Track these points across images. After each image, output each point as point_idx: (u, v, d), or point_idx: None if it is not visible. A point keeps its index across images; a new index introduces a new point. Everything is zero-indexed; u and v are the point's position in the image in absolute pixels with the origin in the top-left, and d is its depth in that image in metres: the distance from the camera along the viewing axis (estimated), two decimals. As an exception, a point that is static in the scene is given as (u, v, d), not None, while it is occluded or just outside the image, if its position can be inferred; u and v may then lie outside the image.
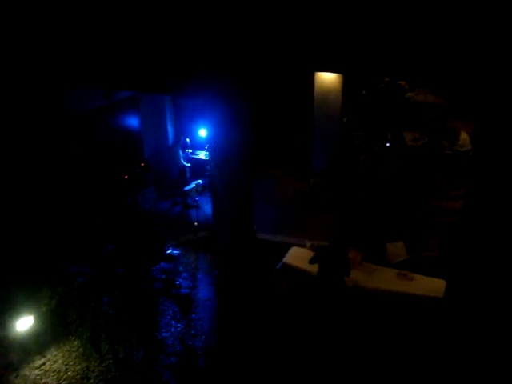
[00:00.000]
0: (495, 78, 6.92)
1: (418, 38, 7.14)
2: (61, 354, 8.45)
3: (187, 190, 12.67)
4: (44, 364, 8.28)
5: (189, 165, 13.37)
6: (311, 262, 8.57)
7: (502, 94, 6.97)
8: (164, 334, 8.69)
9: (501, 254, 7.70)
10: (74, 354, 8.43)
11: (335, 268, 8.33)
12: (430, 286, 8.81)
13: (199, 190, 12.84)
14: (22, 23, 8.73)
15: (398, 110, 14.14)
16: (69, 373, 8.11)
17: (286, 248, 10.02)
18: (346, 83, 12.91)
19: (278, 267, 9.50)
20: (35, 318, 7.85)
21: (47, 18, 8.62)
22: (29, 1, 8.62)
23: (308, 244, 9.90)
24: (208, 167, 12.03)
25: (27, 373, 8.11)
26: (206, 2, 7.87)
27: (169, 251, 9.98)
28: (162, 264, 8.43)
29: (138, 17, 8.25)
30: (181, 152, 13.04)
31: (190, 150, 13.63)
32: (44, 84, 9.65)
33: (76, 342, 8.46)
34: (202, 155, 13.65)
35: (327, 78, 12.69)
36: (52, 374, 8.11)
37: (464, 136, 13.28)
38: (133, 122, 13.30)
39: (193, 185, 12.87)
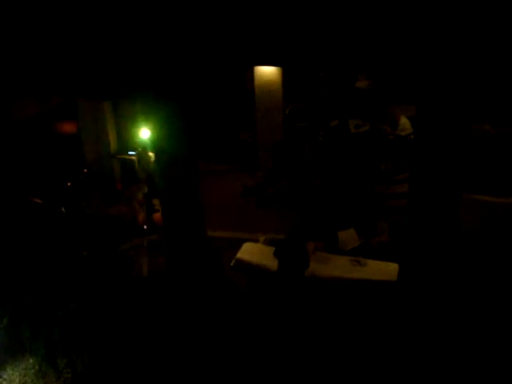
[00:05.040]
0: (436, 62, 7.03)
1: (356, 28, 7.18)
2: (17, 373, 8.11)
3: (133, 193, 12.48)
4: (0, 385, 7.99)
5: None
6: (275, 253, 8.57)
7: (443, 76, 7.10)
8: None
9: (448, 234, 7.90)
10: (30, 372, 8.10)
11: (296, 261, 8.34)
12: (384, 270, 8.92)
13: (145, 193, 12.63)
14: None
15: (343, 97, 14.27)
16: (26, 392, 7.86)
17: (237, 243, 9.97)
18: (285, 74, 12.93)
19: (232, 264, 9.44)
20: (-14, 339, 7.57)
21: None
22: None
23: (261, 238, 9.87)
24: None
25: (-18, 396, 7.82)
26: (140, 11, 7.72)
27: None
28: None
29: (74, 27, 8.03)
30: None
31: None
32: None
33: (32, 360, 8.15)
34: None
35: (267, 71, 12.69)
36: (9, 395, 7.82)
37: (404, 120, 13.51)
38: (71, 127, 12.97)
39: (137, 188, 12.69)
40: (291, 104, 14.29)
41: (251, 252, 9.50)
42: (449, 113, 7.31)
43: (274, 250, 8.65)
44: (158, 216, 11.73)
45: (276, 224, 11.13)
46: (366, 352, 7.95)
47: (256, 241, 9.98)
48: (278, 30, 7.44)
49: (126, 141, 13.73)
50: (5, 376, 8.11)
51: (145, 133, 12.85)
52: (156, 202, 12.11)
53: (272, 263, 8.58)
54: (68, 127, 12.91)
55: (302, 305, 8.52)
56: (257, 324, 8.58)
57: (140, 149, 12.97)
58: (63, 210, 10.58)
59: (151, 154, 12.74)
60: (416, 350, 7.79)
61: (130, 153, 13.39)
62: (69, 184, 11.80)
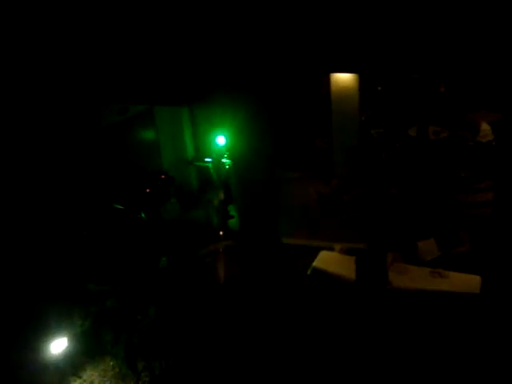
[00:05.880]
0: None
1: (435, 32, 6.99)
2: (96, 374, 8.33)
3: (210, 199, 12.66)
4: (80, 385, 8.25)
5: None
6: (356, 263, 8.48)
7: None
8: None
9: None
10: (109, 374, 8.28)
11: (375, 273, 8.20)
12: (465, 282, 8.64)
13: (221, 199, 12.76)
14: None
15: (423, 103, 13.89)
16: (105, 393, 8.10)
17: (312, 252, 9.89)
18: (362, 80, 12.76)
19: (308, 272, 9.38)
20: (69, 340, 7.83)
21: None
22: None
23: (337, 247, 9.77)
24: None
25: (63, 395, 8.07)
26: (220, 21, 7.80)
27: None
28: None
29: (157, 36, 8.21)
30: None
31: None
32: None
33: (112, 362, 8.35)
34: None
35: (343, 77, 12.54)
36: (88, 395, 8.08)
37: (485, 126, 13.07)
38: (149, 134, 13.27)
39: (213, 195, 12.85)
40: (367, 110, 14.08)
41: (328, 261, 9.42)
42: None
43: (356, 260, 8.52)
44: (233, 222, 11.88)
45: (351, 232, 10.98)
46: (448, 366, 7.70)
47: (331, 249, 9.89)
48: (356, 37, 7.36)
49: (202, 147, 13.91)
50: (84, 377, 8.33)
51: (220, 140, 13.00)
52: (231, 208, 12.28)
53: (350, 273, 8.45)
54: (146, 134, 13.20)
55: (381, 316, 8.36)
56: (335, 333, 8.48)
57: (215, 155, 13.11)
58: (143, 215, 10.82)
59: (226, 161, 12.89)
60: (500, 366, 7.48)
61: (206, 159, 13.56)
62: (148, 190, 12.05)
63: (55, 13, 8.42)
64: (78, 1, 8.28)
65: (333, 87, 12.84)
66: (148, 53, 8.42)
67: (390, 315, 8.46)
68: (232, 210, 12.17)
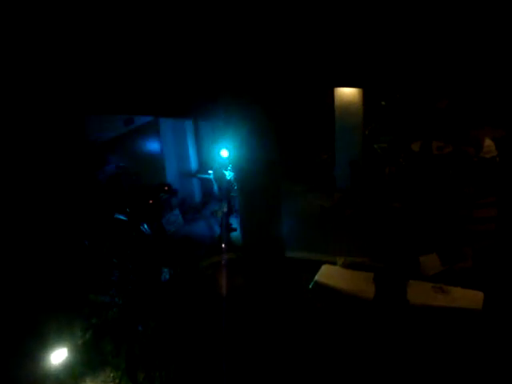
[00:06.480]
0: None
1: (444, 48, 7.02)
2: (96, 385, 8.36)
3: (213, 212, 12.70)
4: (79, 396, 8.17)
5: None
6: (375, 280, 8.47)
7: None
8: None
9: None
10: (109, 385, 8.33)
11: (397, 290, 8.14)
12: (468, 298, 8.60)
13: (224, 211, 12.76)
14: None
15: (425, 118, 13.94)
16: (105, 404, 8.01)
17: (314, 265, 9.86)
18: (366, 95, 12.80)
19: (310, 286, 9.34)
20: (69, 350, 7.81)
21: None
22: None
23: (339, 261, 9.74)
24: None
25: (63, 405, 8.02)
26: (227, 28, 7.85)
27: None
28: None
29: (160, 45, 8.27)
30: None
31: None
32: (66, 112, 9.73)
33: (112, 373, 8.27)
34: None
35: (347, 92, 12.60)
36: (88, 406, 8.01)
37: (489, 142, 13.10)
38: (154, 146, 13.33)
39: (216, 207, 12.89)
40: (371, 125, 14.13)
41: (330, 275, 9.39)
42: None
43: (374, 276, 8.48)
44: (235, 235, 11.87)
45: (353, 246, 10.97)
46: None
47: (334, 263, 9.86)
48: (361, 52, 7.40)
49: (205, 160, 13.97)
50: (84, 387, 8.35)
51: (224, 152, 13.04)
52: (233, 220, 12.28)
53: (353, 287, 8.42)
54: (151, 146, 13.26)
55: (392, 331, 8.29)
56: (336, 346, 8.43)
57: (218, 168, 13.15)
58: (145, 227, 10.84)
59: (228, 173, 12.92)
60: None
61: (209, 172, 13.60)
62: (151, 201, 12.06)
63: (63, 25, 8.50)
64: (85, 13, 8.36)
65: (337, 102, 12.89)
66: (153, 63, 8.47)
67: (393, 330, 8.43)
68: (234, 223, 12.17)
